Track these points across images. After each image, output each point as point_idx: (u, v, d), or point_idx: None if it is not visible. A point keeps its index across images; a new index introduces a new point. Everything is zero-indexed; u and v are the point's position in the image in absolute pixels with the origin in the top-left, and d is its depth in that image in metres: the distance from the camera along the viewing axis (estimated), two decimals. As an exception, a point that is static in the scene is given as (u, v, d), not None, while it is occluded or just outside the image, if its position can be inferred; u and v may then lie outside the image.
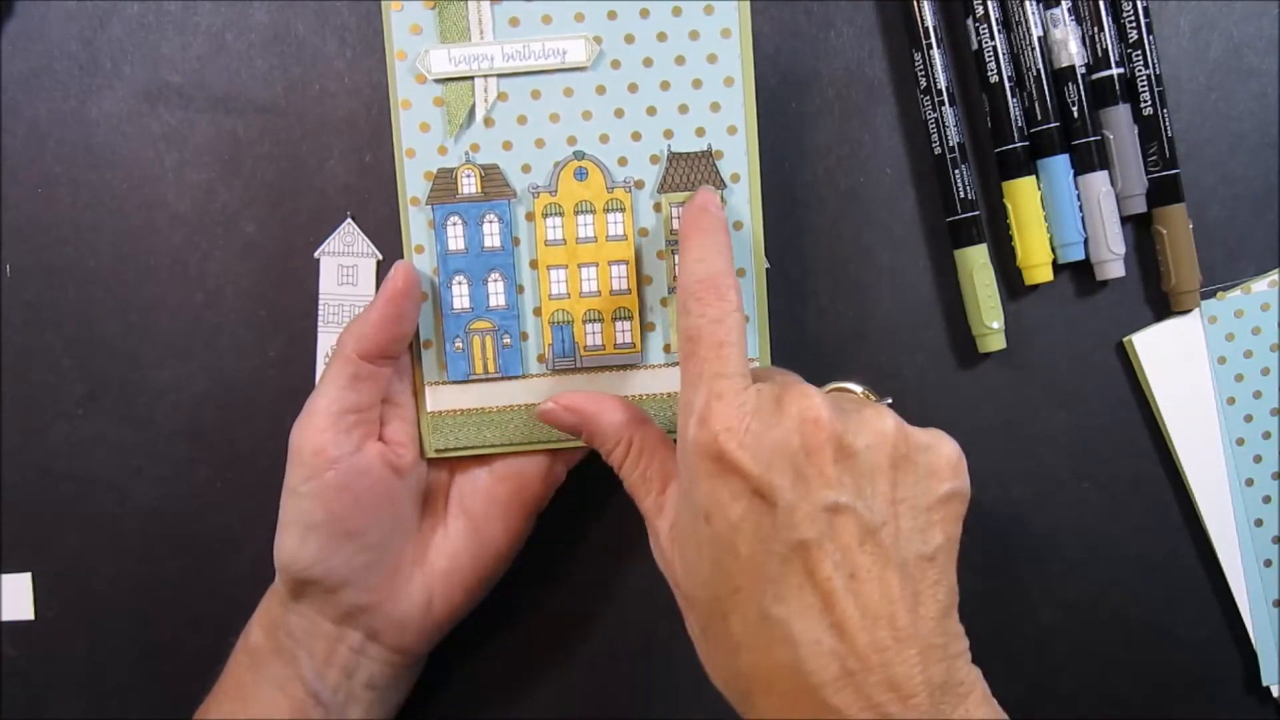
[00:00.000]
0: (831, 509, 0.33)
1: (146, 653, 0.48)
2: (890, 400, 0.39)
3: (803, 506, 0.33)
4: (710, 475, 0.33)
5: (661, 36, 0.41)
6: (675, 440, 0.36)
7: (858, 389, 0.39)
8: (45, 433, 0.47)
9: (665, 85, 0.41)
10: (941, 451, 0.35)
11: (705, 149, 0.42)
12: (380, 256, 0.46)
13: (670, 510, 0.37)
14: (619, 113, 0.42)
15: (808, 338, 0.46)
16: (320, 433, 0.39)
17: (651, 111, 0.42)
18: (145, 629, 0.48)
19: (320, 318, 0.46)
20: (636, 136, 0.42)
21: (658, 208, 0.42)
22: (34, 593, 0.48)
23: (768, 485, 0.33)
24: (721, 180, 0.42)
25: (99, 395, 0.47)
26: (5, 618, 0.48)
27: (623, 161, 0.42)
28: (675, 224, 0.42)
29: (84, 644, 0.48)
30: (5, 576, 0.47)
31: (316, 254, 0.46)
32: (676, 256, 0.42)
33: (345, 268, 0.46)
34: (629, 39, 0.41)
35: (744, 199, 0.42)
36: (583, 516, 0.47)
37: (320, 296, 0.46)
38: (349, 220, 0.46)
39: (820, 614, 0.32)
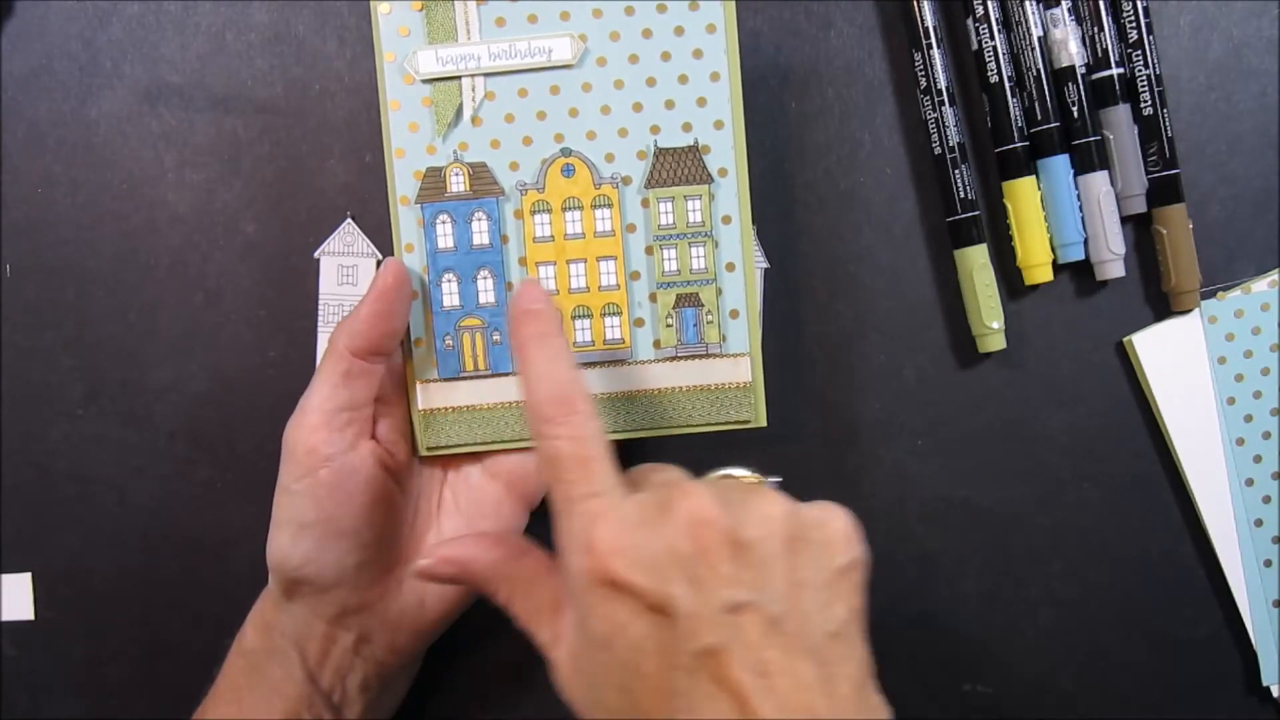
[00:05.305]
0: (733, 608, 0.32)
1: (146, 653, 0.48)
2: (779, 480, 0.38)
3: (703, 612, 0.32)
4: (605, 601, 0.32)
5: (646, 33, 0.41)
6: (557, 561, 0.35)
7: (744, 473, 0.38)
8: (45, 433, 0.47)
9: (651, 81, 0.41)
10: (833, 525, 0.34)
11: (692, 144, 0.42)
12: (380, 256, 0.46)
13: (567, 640, 0.35)
14: (605, 109, 0.42)
15: (808, 338, 0.46)
16: (313, 431, 0.39)
17: (638, 108, 0.42)
18: (145, 629, 0.48)
19: (320, 318, 0.46)
20: (623, 133, 0.42)
21: (645, 203, 0.42)
22: (34, 593, 0.48)
23: (664, 597, 0.32)
24: (709, 175, 0.42)
25: (99, 395, 0.47)
26: (5, 618, 0.48)
27: (610, 158, 0.42)
28: (663, 219, 0.42)
29: (84, 644, 0.48)
30: (5, 576, 0.47)
31: (316, 254, 0.46)
32: (664, 252, 0.42)
33: (345, 268, 0.46)
34: (614, 36, 0.41)
35: (732, 193, 0.42)
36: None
37: (320, 296, 0.46)
38: (349, 220, 0.46)
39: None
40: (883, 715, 0.34)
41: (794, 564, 0.33)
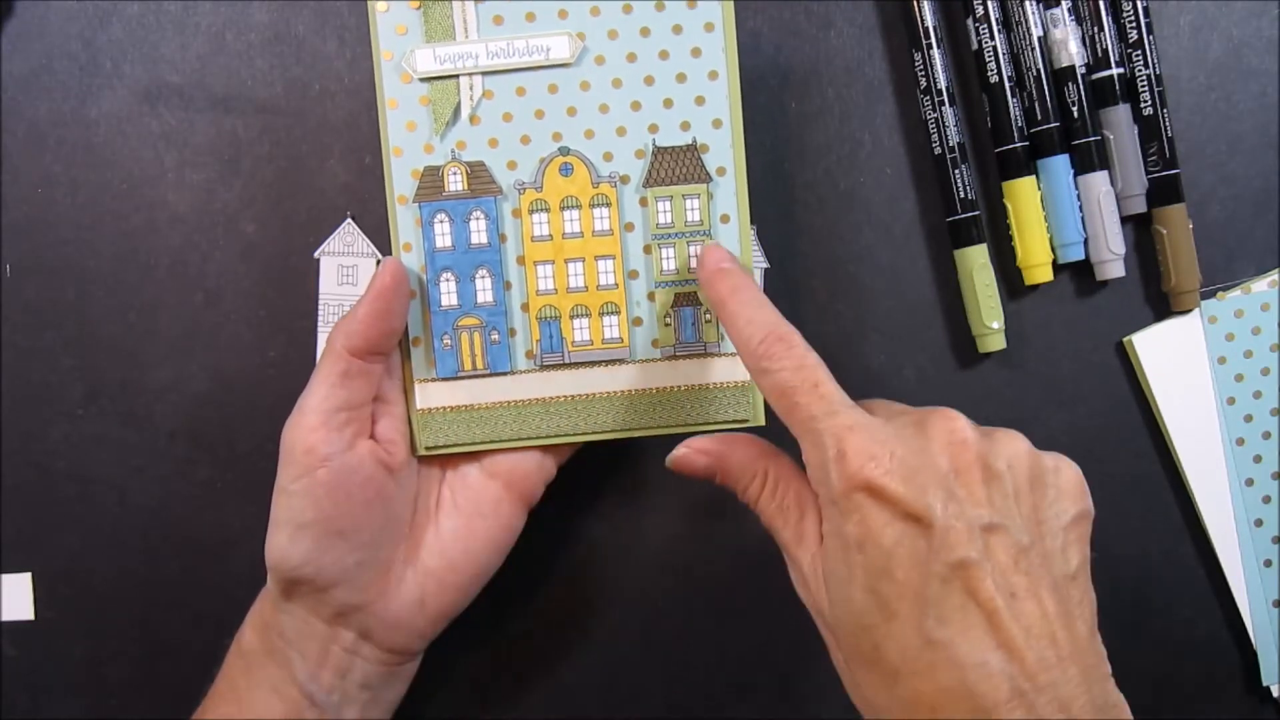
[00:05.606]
0: (986, 529, 0.33)
1: (146, 653, 0.48)
2: None
3: (958, 526, 0.33)
4: (860, 505, 0.33)
5: (645, 31, 0.41)
6: (807, 471, 0.36)
7: None
8: (45, 433, 0.47)
9: (649, 80, 0.41)
10: (1067, 474, 0.35)
11: (690, 143, 0.42)
12: (380, 256, 0.46)
13: (810, 540, 0.36)
14: (603, 108, 0.42)
15: (807, 337, 0.46)
16: (311, 431, 0.39)
17: (636, 106, 0.42)
18: (145, 629, 0.48)
19: (320, 318, 0.46)
20: (621, 131, 0.42)
21: (643, 202, 0.42)
22: (34, 593, 0.48)
23: (922, 507, 0.33)
24: (707, 174, 0.42)
25: (99, 395, 0.47)
26: (5, 618, 0.48)
27: (608, 156, 0.42)
28: (661, 218, 0.42)
29: (84, 644, 0.48)
30: (5, 576, 0.47)
31: (316, 254, 0.46)
32: (662, 251, 0.42)
33: (345, 268, 0.46)
34: (612, 35, 0.41)
35: (730, 192, 0.42)
36: (575, 512, 0.47)
37: (320, 296, 0.46)
38: (349, 220, 0.46)
39: (985, 634, 0.32)
40: (1109, 667, 0.34)
41: (1035, 503, 0.34)
